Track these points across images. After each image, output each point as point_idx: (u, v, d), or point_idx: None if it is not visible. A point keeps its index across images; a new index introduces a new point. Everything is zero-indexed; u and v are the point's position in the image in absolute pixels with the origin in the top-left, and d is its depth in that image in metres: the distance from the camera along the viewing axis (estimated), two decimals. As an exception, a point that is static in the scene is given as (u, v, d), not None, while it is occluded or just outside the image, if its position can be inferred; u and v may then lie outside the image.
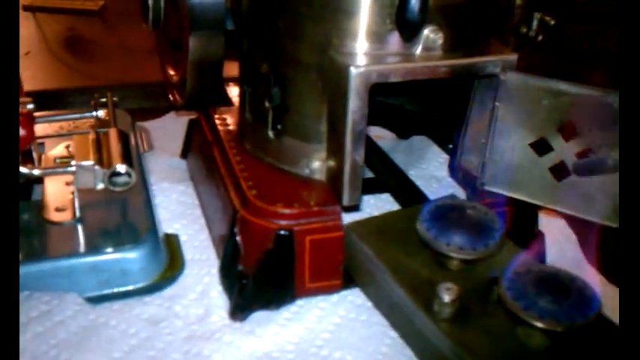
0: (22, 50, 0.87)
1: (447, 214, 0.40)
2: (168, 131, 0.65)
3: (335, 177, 0.43)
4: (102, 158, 0.45)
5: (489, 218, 0.40)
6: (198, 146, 0.54)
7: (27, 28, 0.94)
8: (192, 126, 0.57)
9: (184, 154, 0.59)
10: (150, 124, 0.66)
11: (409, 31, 0.39)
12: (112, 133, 0.47)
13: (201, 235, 0.50)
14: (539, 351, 0.33)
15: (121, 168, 0.44)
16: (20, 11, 0.98)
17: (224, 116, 0.53)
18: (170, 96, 0.57)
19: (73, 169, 0.43)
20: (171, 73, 0.57)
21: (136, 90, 0.75)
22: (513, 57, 0.42)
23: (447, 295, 0.35)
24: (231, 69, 0.52)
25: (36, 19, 0.97)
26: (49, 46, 0.91)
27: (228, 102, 0.56)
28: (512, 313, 0.33)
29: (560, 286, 0.34)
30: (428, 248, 0.39)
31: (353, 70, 0.38)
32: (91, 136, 0.47)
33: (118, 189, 0.45)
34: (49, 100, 0.72)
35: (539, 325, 0.32)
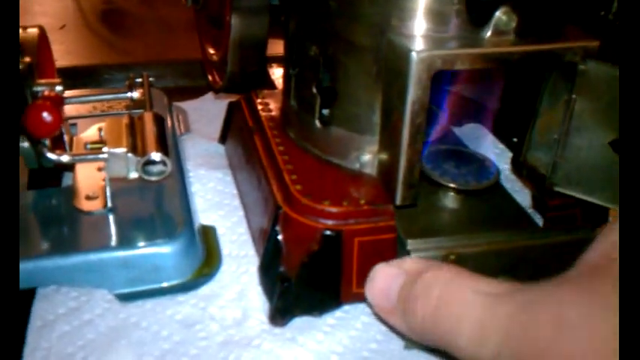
0: (57, 24, 0.85)
1: None
2: (206, 113, 0.62)
3: (388, 173, 0.39)
4: (136, 145, 0.41)
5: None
6: (238, 132, 0.51)
7: (63, 1, 0.92)
8: (231, 109, 0.53)
9: (223, 139, 0.55)
10: (187, 105, 0.63)
11: (480, 12, 0.34)
12: (147, 117, 0.44)
13: (239, 228, 0.46)
14: (451, 208, 0.41)
15: (156, 156, 0.40)
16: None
17: (266, 100, 0.49)
18: (209, 76, 0.54)
19: (105, 156, 0.40)
20: (211, 52, 0.54)
21: (174, 67, 0.72)
22: (595, 44, 0.37)
23: None
24: (275, 47, 0.48)
25: (72, -9, 0.95)
26: (85, 20, 0.88)
27: (271, 84, 0.52)
28: (430, 179, 0.41)
29: (466, 160, 0.43)
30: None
31: (415, 55, 0.34)
32: (125, 120, 0.43)
33: (152, 178, 0.41)
34: (83, 76, 0.70)
35: (444, 182, 0.41)
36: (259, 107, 0.48)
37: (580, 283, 0.26)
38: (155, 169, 0.42)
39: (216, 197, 0.49)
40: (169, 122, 0.53)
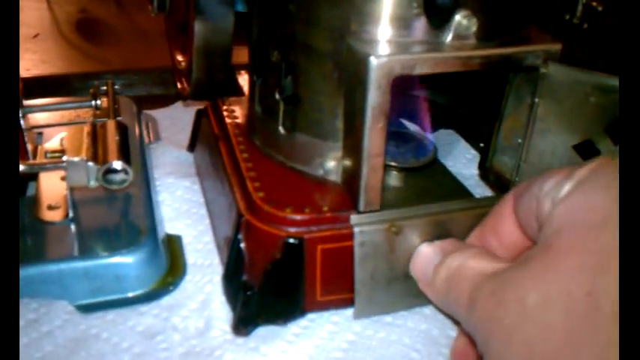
0: (31, 32, 0.84)
1: None
2: (177, 121, 0.61)
3: (351, 179, 0.38)
4: (96, 153, 0.41)
5: None
6: (205, 139, 0.50)
7: (37, 10, 0.91)
8: (199, 117, 0.53)
9: (192, 147, 0.55)
10: (158, 113, 0.62)
11: (439, 16, 0.34)
12: (110, 125, 0.43)
13: (205, 236, 0.46)
14: (393, 185, 0.43)
15: (117, 164, 0.40)
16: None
17: (233, 107, 0.48)
18: (178, 84, 0.53)
19: (63, 164, 0.40)
20: (180, 59, 0.53)
21: (147, 75, 0.71)
22: (557, 47, 0.37)
23: None
24: (244, 55, 0.48)
25: (47, -1, 0.94)
26: (59, 29, 0.87)
27: (238, 91, 0.51)
28: None
29: (404, 139, 0.45)
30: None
31: (373, 61, 0.33)
32: (87, 128, 0.43)
33: (114, 187, 0.41)
34: (55, 85, 0.69)
35: (385, 161, 0.39)
36: (225, 114, 0.47)
37: (537, 267, 0.27)
38: (117, 177, 0.41)
39: (184, 206, 0.49)
40: (137, 130, 0.53)
